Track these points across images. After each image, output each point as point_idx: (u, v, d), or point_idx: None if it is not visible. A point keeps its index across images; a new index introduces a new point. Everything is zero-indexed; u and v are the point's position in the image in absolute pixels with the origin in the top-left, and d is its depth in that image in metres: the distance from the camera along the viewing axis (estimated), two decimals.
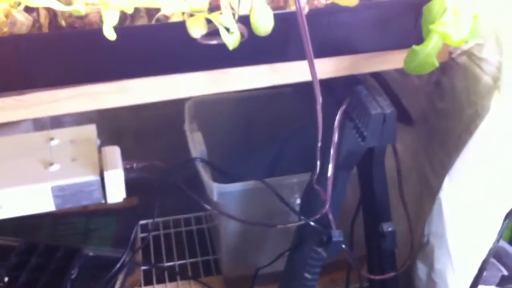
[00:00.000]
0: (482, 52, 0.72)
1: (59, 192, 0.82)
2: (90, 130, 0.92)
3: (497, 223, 0.72)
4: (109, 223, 1.17)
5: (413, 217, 0.83)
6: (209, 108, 1.07)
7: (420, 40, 0.67)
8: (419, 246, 0.85)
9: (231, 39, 0.58)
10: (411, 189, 0.88)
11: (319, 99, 0.62)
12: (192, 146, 0.99)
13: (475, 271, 0.76)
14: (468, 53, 0.74)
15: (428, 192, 0.86)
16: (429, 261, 0.83)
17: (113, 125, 1.19)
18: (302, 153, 1.11)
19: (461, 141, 0.76)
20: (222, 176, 0.95)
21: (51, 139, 0.89)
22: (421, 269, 0.86)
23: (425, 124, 0.87)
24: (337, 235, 0.76)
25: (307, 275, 0.83)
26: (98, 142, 0.90)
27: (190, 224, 1.24)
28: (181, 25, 0.61)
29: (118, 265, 0.98)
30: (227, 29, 0.59)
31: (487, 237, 0.74)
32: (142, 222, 1.17)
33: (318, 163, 0.70)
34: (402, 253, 0.86)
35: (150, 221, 1.16)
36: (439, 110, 0.83)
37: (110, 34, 0.55)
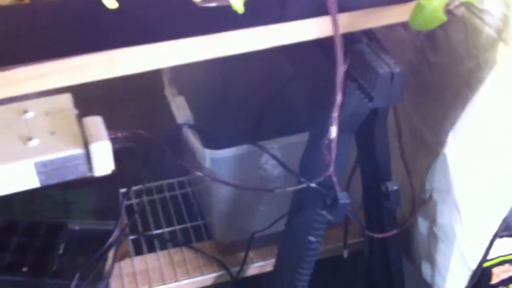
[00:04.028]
0: (483, 3, 0.70)
1: (42, 168, 0.78)
2: (66, 100, 0.87)
3: (509, 180, 0.72)
4: (88, 194, 1.12)
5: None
6: (186, 70, 1.02)
7: None
8: (420, 202, 0.85)
9: (239, 1, 0.54)
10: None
11: (341, 65, 0.59)
12: (176, 111, 0.95)
13: (488, 225, 0.76)
14: (467, 5, 0.72)
15: (423, 147, 0.85)
16: (431, 215, 0.83)
17: (79, 92, 1.14)
18: (286, 114, 1.09)
19: (460, 95, 0.75)
20: (210, 141, 0.92)
21: (25, 111, 0.84)
22: (421, 224, 0.86)
23: (415, 78, 0.85)
24: (343, 197, 0.75)
25: (311, 238, 0.82)
26: (75, 112, 0.86)
27: (174, 189, 1.21)
28: None
29: (110, 239, 0.94)
30: None
31: (499, 194, 0.74)
32: (122, 190, 1.14)
33: (334, 127, 0.68)
34: (399, 210, 0.86)
35: (129, 189, 1.11)
36: (432, 64, 0.81)
37: (110, 2, 0.50)
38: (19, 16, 0.55)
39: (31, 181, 0.78)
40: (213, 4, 0.58)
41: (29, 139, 0.78)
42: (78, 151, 0.78)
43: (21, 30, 0.56)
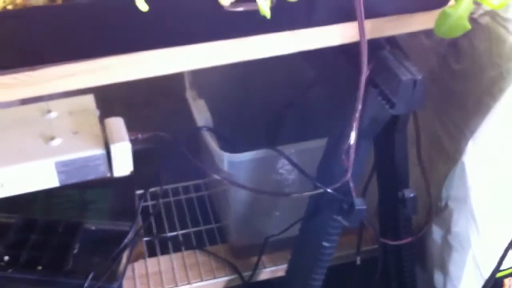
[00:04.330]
0: (508, 12, 0.70)
1: (63, 168, 0.79)
2: (88, 100, 0.88)
3: None
4: (105, 194, 1.13)
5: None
6: (207, 74, 1.03)
7: (443, 1, 0.66)
8: (435, 210, 0.85)
9: (267, 6, 0.55)
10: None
11: (365, 69, 0.59)
12: (197, 114, 0.96)
13: (503, 235, 0.76)
14: (492, 14, 0.73)
15: (441, 154, 0.85)
16: (446, 224, 0.83)
17: (101, 94, 1.16)
18: (304, 119, 1.10)
19: (481, 103, 0.75)
20: (229, 144, 0.93)
21: (48, 111, 0.85)
22: (436, 232, 0.86)
23: (436, 85, 0.86)
24: (359, 203, 0.75)
25: (326, 244, 0.82)
26: (97, 113, 0.86)
27: (189, 192, 1.22)
28: None
29: (125, 240, 0.95)
30: None
31: None
32: (138, 192, 1.14)
33: (353, 133, 0.68)
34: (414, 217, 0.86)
35: (146, 191, 1.12)
36: (454, 72, 0.81)
37: (142, 5, 0.51)
38: (50, 17, 0.56)
39: (51, 181, 0.79)
40: (241, 9, 0.58)
41: (52, 138, 0.79)
42: (99, 151, 0.79)
43: (51, 30, 0.57)
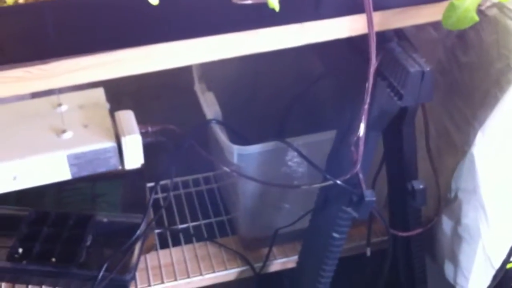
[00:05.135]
0: None
1: (75, 160, 0.80)
2: (98, 93, 0.89)
3: None
4: (116, 187, 1.14)
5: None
6: (216, 67, 1.04)
7: None
8: (444, 201, 0.85)
9: None
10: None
11: (373, 61, 0.59)
12: (206, 107, 0.96)
13: None
14: (499, 6, 0.73)
15: (450, 146, 0.85)
16: (456, 215, 0.84)
17: (111, 87, 1.16)
18: (313, 111, 1.10)
19: (489, 95, 0.75)
20: (238, 137, 0.94)
21: (59, 104, 0.86)
22: (446, 224, 0.87)
23: (444, 77, 0.86)
24: (369, 194, 0.75)
25: (336, 235, 0.83)
26: (107, 106, 0.87)
27: (199, 184, 1.23)
28: None
29: (138, 232, 0.96)
30: None
31: None
32: (149, 184, 1.15)
33: (362, 125, 0.68)
34: (423, 209, 0.87)
35: (157, 183, 1.13)
36: (462, 64, 0.81)
37: None
38: (61, 11, 0.57)
39: (63, 173, 0.80)
40: (249, 2, 0.59)
41: (63, 131, 0.80)
42: (110, 144, 0.80)
43: (62, 24, 0.57)
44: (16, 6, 0.56)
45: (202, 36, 0.62)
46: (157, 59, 0.63)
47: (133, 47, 0.62)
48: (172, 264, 1.06)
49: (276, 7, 0.56)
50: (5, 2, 0.55)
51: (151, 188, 1.06)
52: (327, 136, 0.88)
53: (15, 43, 0.56)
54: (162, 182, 1.11)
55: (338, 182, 0.77)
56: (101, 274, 0.94)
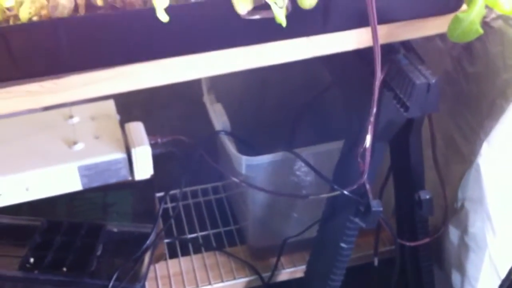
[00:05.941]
0: None
1: (86, 172, 0.81)
2: (109, 105, 0.90)
3: None
4: (126, 197, 1.16)
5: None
6: (224, 79, 1.05)
7: (456, 5, 0.67)
8: (451, 211, 0.86)
9: (283, 14, 0.57)
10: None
11: (379, 73, 0.61)
12: (214, 118, 0.98)
13: None
14: (504, 17, 0.73)
15: (456, 156, 0.86)
16: (463, 225, 0.84)
17: (121, 98, 1.18)
18: (320, 122, 1.11)
19: (495, 106, 0.76)
20: (246, 148, 0.95)
21: (71, 116, 0.87)
22: (453, 233, 0.87)
23: (451, 88, 0.87)
24: (376, 204, 0.76)
25: (343, 245, 0.83)
26: (118, 117, 0.89)
27: (208, 194, 1.24)
28: (219, 2, 0.59)
29: (148, 241, 0.97)
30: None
31: None
32: (158, 194, 1.17)
33: (368, 136, 0.69)
34: (430, 218, 0.87)
35: (167, 193, 1.14)
36: (468, 74, 0.82)
37: (162, 16, 0.53)
38: (74, 27, 0.58)
39: (74, 184, 0.81)
40: (257, 17, 0.60)
41: (74, 142, 0.82)
42: (120, 155, 0.81)
43: (75, 40, 0.59)
44: (31, 23, 0.57)
45: (212, 50, 0.64)
46: (167, 73, 0.65)
47: (144, 62, 0.63)
48: (181, 273, 1.07)
49: (283, 22, 0.57)
50: (19, 19, 0.56)
51: (161, 198, 1.07)
52: (335, 146, 0.90)
53: (30, 58, 0.58)
54: (171, 192, 1.13)
55: (345, 192, 0.78)
56: (111, 283, 0.95)
